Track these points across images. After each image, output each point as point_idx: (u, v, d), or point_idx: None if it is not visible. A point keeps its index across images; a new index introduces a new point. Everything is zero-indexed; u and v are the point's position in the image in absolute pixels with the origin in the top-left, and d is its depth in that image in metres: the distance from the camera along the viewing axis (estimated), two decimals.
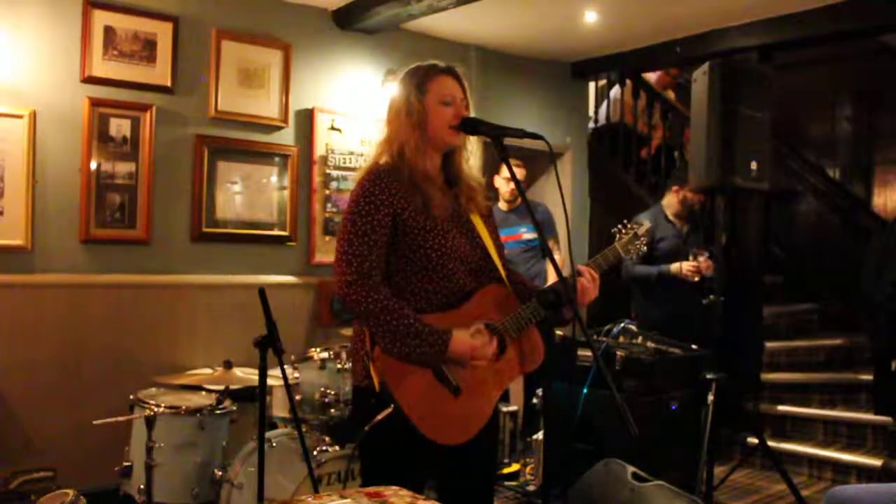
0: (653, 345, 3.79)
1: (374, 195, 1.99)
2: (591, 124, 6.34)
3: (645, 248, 2.31)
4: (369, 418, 1.94)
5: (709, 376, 3.67)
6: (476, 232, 2.13)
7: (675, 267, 4.40)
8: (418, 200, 2.03)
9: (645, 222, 2.35)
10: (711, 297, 3.98)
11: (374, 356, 1.97)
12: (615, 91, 6.11)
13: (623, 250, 2.26)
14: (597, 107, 6.49)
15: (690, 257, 4.31)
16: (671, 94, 6.38)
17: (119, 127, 3.89)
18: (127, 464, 3.16)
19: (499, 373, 2.09)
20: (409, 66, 2.15)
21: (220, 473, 3.14)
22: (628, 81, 5.93)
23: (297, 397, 3.33)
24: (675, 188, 4.63)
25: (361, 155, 4.70)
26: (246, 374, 3.29)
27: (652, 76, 6.30)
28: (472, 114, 2.12)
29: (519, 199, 4.81)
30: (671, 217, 4.64)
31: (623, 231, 2.29)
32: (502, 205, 4.96)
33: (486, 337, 2.02)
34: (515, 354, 2.12)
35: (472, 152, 2.18)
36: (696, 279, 4.29)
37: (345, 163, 4.66)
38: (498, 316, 2.08)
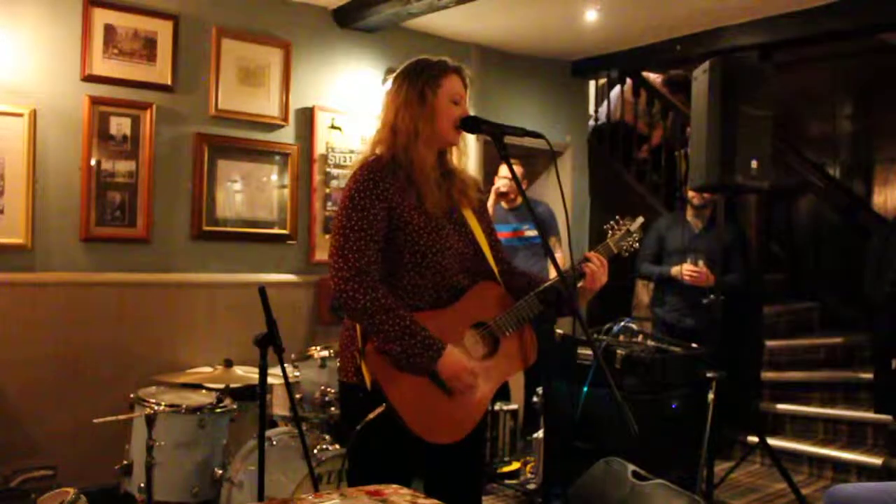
0: (653, 343, 3.79)
1: (369, 188, 1.96)
2: (592, 122, 6.34)
3: (637, 244, 2.28)
4: (359, 416, 1.93)
5: (709, 375, 3.67)
6: (469, 228, 2.12)
7: (675, 270, 4.42)
8: (413, 196, 2.01)
9: (638, 218, 2.33)
10: (711, 296, 3.98)
11: (366, 353, 1.95)
12: (616, 90, 6.11)
13: (615, 247, 2.24)
14: (597, 105, 6.48)
15: (689, 261, 4.30)
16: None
17: (119, 125, 3.89)
18: (127, 462, 3.16)
19: (493, 370, 2.07)
20: (416, 57, 2.11)
21: (221, 472, 3.14)
22: (628, 80, 5.93)
23: (298, 396, 3.33)
24: (686, 188, 4.64)
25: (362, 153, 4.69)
26: (246, 373, 3.30)
27: (655, 78, 6.30)
28: (472, 112, 2.12)
29: (520, 198, 4.81)
30: (689, 217, 4.62)
31: (616, 227, 2.27)
32: (503, 203, 4.96)
33: (477, 375, 1.99)
34: (510, 352, 2.11)
35: (465, 151, 2.17)
36: (696, 284, 4.27)
37: (345, 161, 4.65)
38: (491, 314, 2.07)
